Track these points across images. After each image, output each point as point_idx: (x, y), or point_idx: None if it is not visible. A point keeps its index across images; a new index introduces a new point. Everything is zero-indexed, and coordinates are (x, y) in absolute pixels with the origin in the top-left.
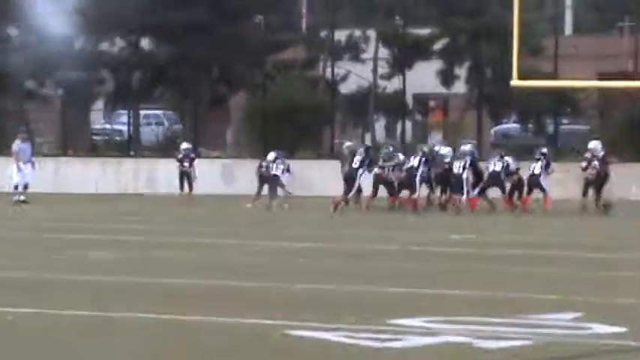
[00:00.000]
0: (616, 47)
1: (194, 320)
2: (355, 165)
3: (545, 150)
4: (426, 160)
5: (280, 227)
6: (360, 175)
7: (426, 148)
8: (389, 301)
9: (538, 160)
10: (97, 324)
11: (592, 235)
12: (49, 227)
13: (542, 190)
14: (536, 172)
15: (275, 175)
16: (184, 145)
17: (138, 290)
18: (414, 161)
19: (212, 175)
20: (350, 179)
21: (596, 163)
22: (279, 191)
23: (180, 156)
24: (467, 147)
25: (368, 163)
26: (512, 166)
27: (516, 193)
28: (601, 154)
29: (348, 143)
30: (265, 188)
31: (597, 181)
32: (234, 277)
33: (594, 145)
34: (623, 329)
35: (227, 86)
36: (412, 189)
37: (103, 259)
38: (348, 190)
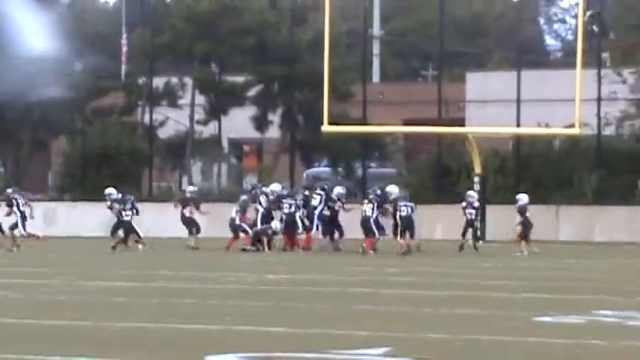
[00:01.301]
0: (421, 94)
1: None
2: (314, 204)
3: (378, 192)
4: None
5: (102, 267)
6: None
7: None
8: (204, 339)
9: (370, 202)
10: None
11: (402, 273)
12: None
13: (370, 231)
14: (368, 213)
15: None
16: (10, 191)
17: None
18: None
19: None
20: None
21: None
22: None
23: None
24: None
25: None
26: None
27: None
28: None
29: (191, 188)
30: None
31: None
32: (52, 316)
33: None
34: None
35: (48, 131)
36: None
37: None
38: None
